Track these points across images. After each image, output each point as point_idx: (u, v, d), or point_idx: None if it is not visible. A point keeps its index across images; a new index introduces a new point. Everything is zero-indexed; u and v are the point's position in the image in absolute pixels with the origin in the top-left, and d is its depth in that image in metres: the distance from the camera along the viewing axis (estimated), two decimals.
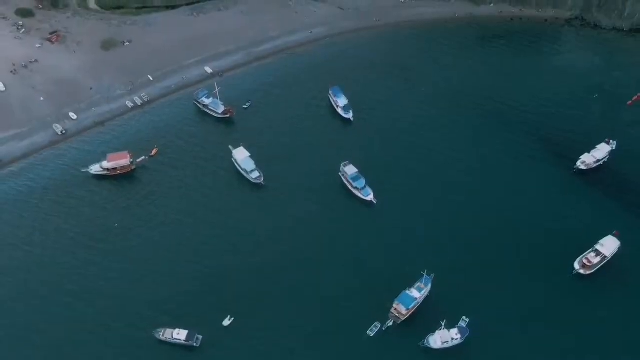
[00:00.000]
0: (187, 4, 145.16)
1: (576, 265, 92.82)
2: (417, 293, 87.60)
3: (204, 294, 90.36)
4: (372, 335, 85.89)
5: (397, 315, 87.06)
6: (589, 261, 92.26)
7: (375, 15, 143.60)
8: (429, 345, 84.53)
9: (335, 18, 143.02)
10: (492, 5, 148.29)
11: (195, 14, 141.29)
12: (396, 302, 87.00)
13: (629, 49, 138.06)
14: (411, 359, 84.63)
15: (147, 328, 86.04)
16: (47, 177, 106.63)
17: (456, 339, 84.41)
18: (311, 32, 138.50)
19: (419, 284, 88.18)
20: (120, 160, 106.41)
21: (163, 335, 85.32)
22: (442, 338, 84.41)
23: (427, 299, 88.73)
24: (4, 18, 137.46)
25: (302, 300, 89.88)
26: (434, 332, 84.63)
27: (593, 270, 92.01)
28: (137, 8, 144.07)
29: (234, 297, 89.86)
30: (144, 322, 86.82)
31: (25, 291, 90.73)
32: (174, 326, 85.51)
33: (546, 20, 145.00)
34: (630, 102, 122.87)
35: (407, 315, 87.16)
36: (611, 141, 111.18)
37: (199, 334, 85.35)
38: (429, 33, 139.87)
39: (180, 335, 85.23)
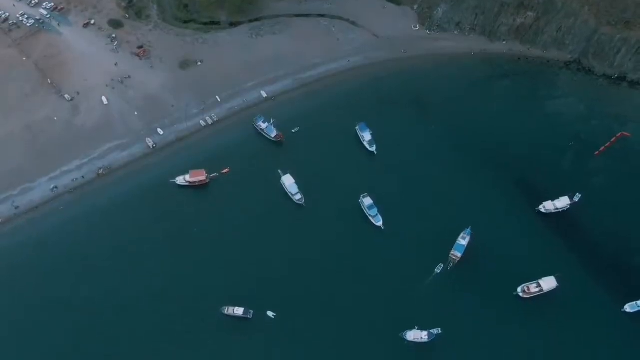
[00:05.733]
0: (249, 21, 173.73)
1: (518, 290, 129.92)
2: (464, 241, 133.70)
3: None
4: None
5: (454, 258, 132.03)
6: (529, 289, 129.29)
7: (403, 47, 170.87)
8: (405, 339, 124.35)
9: (370, 47, 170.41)
10: (504, 42, 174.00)
11: (254, 35, 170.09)
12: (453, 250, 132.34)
13: (611, 97, 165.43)
14: None
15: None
16: (144, 185, 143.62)
17: (424, 339, 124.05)
18: (349, 60, 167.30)
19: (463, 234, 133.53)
20: (199, 176, 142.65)
21: (227, 311, 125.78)
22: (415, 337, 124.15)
23: None
24: (99, 29, 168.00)
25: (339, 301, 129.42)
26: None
27: (530, 296, 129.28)
28: (205, 23, 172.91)
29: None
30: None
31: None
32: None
33: (548, 62, 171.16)
34: (597, 152, 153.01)
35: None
36: (576, 195, 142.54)
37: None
38: (446, 68, 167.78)
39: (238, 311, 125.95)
